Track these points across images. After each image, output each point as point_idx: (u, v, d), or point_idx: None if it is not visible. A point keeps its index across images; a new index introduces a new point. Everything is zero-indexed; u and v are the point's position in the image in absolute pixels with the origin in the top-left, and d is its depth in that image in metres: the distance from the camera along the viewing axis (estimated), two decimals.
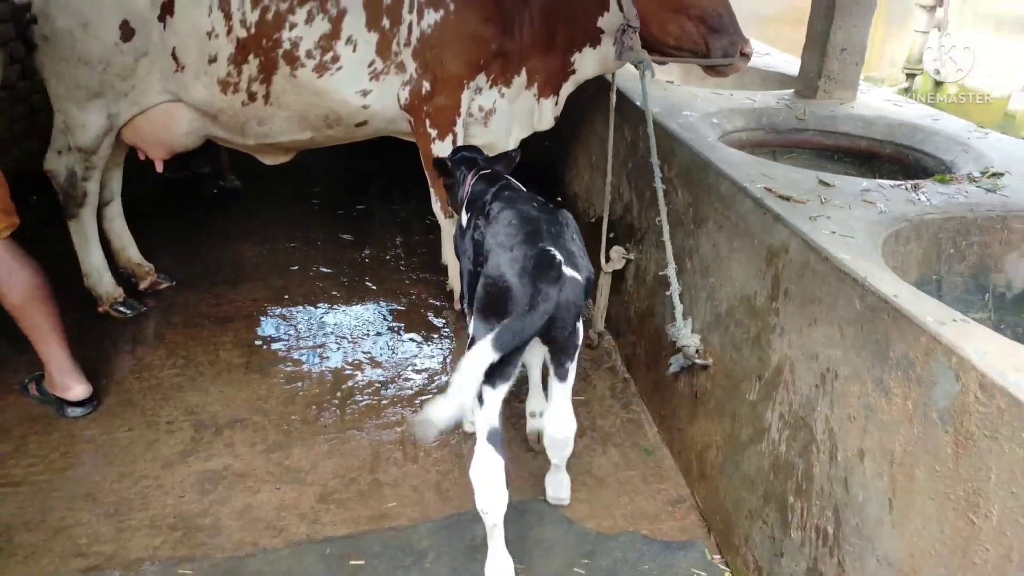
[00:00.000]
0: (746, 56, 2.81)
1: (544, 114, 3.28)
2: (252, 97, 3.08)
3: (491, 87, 3.17)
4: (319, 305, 3.75)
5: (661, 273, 2.49)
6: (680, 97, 3.20)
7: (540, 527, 2.45)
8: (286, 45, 2.97)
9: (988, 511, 1.35)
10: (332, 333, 3.52)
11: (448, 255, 3.66)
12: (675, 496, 2.62)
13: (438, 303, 3.79)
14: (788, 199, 2.12)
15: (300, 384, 3.13)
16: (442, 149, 3.15)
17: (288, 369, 3.23)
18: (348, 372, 3.23)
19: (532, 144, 3.24)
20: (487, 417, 2.03)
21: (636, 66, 2.72)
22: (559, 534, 2.43)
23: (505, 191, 2.37)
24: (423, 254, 4.23)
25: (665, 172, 2.63)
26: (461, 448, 2.79)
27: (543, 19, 3.02)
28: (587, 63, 3.17)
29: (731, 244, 2.33)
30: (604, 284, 3.30)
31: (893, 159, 2.96)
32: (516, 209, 2.16)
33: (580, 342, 2.15)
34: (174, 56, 3.00)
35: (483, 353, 1.85)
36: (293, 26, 2.95)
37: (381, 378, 3.20)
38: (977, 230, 2.10)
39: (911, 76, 9.32)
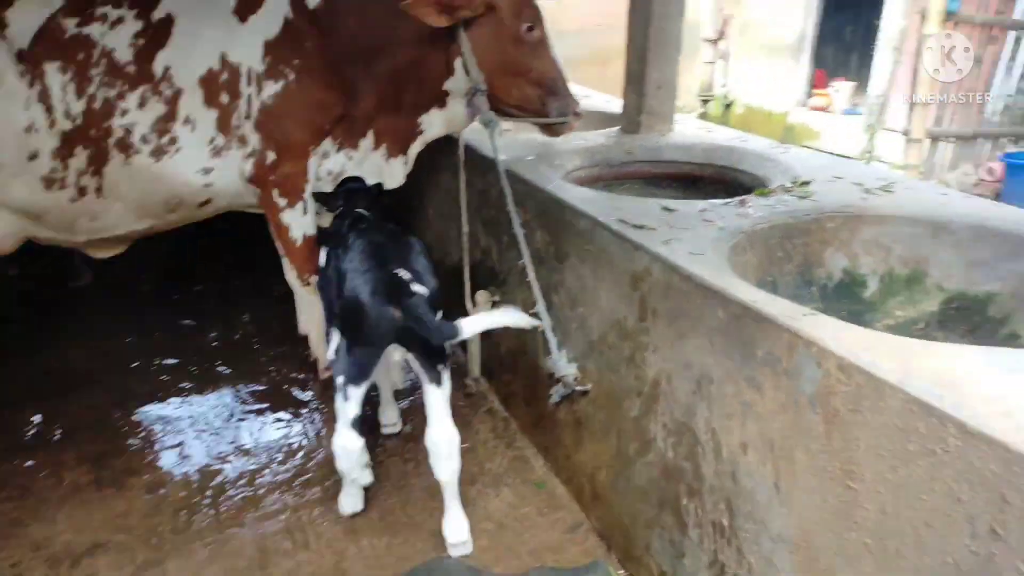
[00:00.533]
0: (578, 116, 3.07)
1: (394, 173, 3.30)
2: (82, 192, 2.82)
3: (338, 151, 3.13)
4: (169, 400, 3.45)
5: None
6: (521, 143, 3.36)
7: None
8: (119, 133, 2.76)
9: (862, 475, 1.50)
10: (190, 428, 3.25)
11: (306, 324, 3.51)
12: (572, 523, 2.68)
13: (301, 377, 3.63)
14: (642, 227, 2.28)
15: (163, 490, 2.86)
16: (292, 216, 3.07)
17: (146, 477, 2.93)
18: (215, 467, 3.00)
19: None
20: (350, 408, 2.49)
21: (485, 125, 2.86)
22: None
23: (361, 223, 2.77)
24: (276, 328, 4.03)
25: (521, 216, 2.74)
26: (354, 524, 2.69)
27: (388, 83, 3.04)
28: (435, 123, 3.23)
29: (596, 275, 2.46)
30: None
31: (714, 179, 3.26)
32: (367, 238, 2.60)
33: (445, 347, 2.51)
34: None
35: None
36: (125, 112, 2.76)
37: (253, 466, 3.01)
38: (799, 233, 2.37)
39: (705, 102, 10.55)
